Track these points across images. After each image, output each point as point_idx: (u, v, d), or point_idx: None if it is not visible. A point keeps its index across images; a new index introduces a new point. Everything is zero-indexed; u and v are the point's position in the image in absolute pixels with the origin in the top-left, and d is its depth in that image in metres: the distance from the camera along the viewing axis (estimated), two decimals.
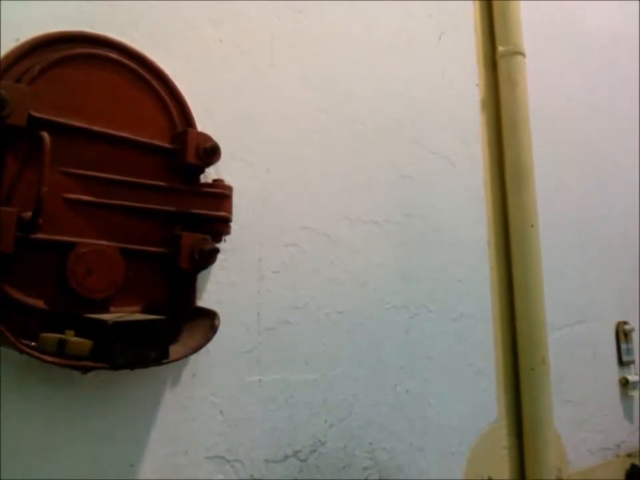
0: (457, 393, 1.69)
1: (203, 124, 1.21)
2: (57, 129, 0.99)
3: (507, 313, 1.89)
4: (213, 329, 1.10)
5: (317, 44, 1.55)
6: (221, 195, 1.18)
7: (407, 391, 1.56)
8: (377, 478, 1.45)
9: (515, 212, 1.93)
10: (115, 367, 0.93)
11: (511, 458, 1.81)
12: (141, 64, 1.13)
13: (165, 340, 1.00)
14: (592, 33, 2.68)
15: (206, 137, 1.15)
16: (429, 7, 1.89)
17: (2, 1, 1.02)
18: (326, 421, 1.38)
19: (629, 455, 2.30)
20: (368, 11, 1.70)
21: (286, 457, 1.29)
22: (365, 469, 1.43)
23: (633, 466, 2.28)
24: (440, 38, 1.91)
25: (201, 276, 1.19)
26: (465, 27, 2.03)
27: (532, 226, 1.90)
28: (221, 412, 1.20)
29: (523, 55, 2.02)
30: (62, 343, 0.92)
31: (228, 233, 1.22)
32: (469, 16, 2.06)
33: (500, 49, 2.03)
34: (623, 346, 2.36)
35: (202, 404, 1.17)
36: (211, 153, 1.13)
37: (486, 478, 1.71)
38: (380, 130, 1.66)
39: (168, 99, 1.16)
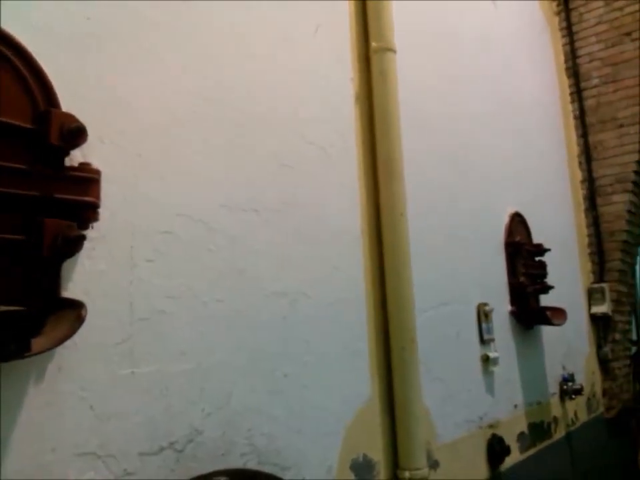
0: (333, 375, 1.75)
1: (68, 105, 1.15)
2: None
3: (379, 297, 1.99)
4: (80, 320, 1.05)
5: (195, 30, 1.52)
6: (87, 179, 1.13)
7: (285, 376, 1.59)
8: (256, 463, 1.46)
9: (386, 201, 2.02)
10: None
11: (384, 434, 1.91)
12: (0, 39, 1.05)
13: (25, 332, 0.94)
14: (463, 37, 2.88)
15: (71, 118, 1.09)
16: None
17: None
18: (203, 410, 1.37)
19: (491, 426, 2.51)
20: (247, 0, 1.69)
21: (162, 449, 1.27)
22: (244, 454, 1.44)
23: (494, 435, 2.50)
24: (316, 31, 1.95)
25: (66, 265, 1.13)
26: (340, 22, 2.09)
27: (401, 214, 2.01)
28: (91, 407, 1.15)
29: (394, 51, 2.12)
30: None
31: (96, 219, 1.16)
32: (343, 11, 2.12)
33: (373, 44, 2.11)
34: (484, 325, 2.57)
35: (70, 399, 1.12)
36: (76, 134, 1.08)
37: (361, 455, 1.79)
38: (259, 118, 1.66)
39: (29, 77, 1.09)
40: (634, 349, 4.34)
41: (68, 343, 1.09)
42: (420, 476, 1.89)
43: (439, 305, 2.29)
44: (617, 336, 3.94)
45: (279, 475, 1.50)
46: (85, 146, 1.16)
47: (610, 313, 3.84)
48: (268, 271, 1.60)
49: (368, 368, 1.89)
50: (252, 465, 1.45)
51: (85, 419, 1.14)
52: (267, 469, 1.48)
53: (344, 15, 2.11)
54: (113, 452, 1.17)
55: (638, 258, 4.26)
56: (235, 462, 1.41)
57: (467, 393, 2.41)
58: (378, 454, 1.87)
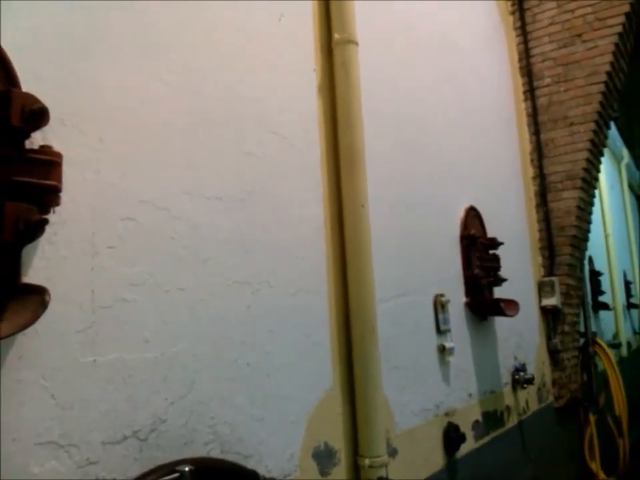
0: (295, 364, 1.76)
1: (29, 85, 1.12)
2: None
3: (341, 287, 2.01)
4: (43, 305, 1.03)
5: (159, 15, 1.49)
6: (49, 162, 1.10)
7: (248, 365, 1.59)
8: (219, 451, 1.46)
9: (348, 192, 2.04)
10: None
11: (344, 423, 1.93)
12: None
13: None
14: (421, 33, 2.93)
15: (32, 98, 1.06)
16: None
17: None
18: (166, 399, 1.36)
19: (446, 414, 2.57)
20: None
21: (125, 438, 1.25)
22: (207, 443, 1.44)
23: (450, 423, 2.56)
24: (280, 20, 1.95)
25: (26, 251, 1.10)
26: (304, 12, 2.09)
27: (362, 206, 2.03)
28: (53, 395, 1.13)
29: (356, 44, 2.13)
30: None
31: (57, 204, 1.14)
32: (307, 1, 2.12)
33: (336, 36, 2.12)
34: (440, 316, 2.62)
35: (31, 388, 1.09)
36: (38, 115, 1.05)
37: (322, 443, 1.81)
38: (223, 106, 1.65)
39: None
40: (582, 341, 4.51)
41: (29, 330, 1.07)
42: (379, 463, 1.93)
43: (398, 296, 2.33)
44: (566, 328, 4.08)
45: (242, 463, 1.50)
46: (45, 128, 1.13)
47: (559, 306, 3.96)
48: (231, 260, 1.60)
49: (329, 357, 1.91)
50: (215, 453, 1.45)
51: (46, 408, 1.11)
52: (229, 457, 1.48)
53: (307, 5, 2.11)
54: (75, 441, 1.15)
55: (586, 252, 4.42)
56: (199, 450, 1.41)
57: (424, 382, 2.46)
58: (339, 442, 1.89)
